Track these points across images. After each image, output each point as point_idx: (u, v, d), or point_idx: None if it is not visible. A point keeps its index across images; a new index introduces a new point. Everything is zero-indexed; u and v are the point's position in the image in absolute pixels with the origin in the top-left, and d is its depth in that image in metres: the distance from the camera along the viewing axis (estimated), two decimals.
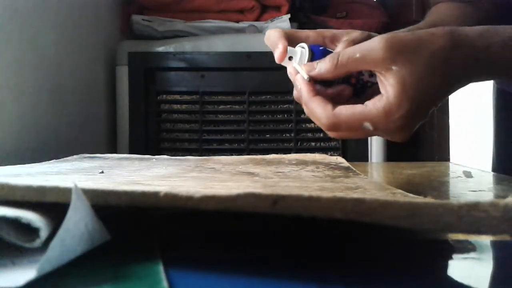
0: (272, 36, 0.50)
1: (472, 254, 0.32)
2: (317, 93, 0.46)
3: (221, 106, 1.25)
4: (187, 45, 1.25)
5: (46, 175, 0.49)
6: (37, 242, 0.26)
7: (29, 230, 0.26)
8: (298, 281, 0.26)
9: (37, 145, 0.88)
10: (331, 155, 0.93)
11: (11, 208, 0.27)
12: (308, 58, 0.48)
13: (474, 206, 0.25)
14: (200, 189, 0.29)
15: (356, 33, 0.49)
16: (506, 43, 0.42)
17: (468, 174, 0.67)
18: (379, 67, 0.43)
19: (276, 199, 0.26)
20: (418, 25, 0.58)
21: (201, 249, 0.32)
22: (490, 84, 0.80)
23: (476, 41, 0.42)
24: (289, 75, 0.50)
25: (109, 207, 0.29)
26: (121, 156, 0.78)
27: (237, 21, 1.33)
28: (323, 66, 0.45)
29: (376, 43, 0.42)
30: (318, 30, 0.51)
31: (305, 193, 0.26)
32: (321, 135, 1.24)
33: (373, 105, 0.43)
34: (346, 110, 0.44)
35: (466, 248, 0.33)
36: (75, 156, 0.75)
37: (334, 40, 0.50)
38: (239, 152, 1.22)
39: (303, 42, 0.50)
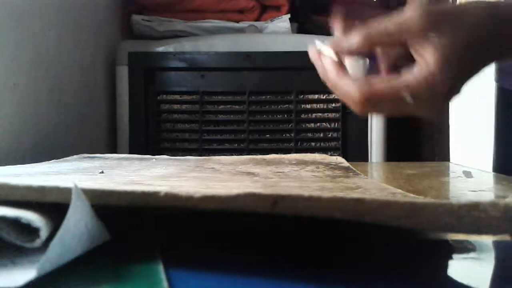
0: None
1: (472, 254, 0.32)
2: (346, 73, 0.44)
3: (221, 106, 1.25)
4: (187, 45, 1.25)
5: (46, 175, 0.49)
6: (37, 242, 0.26)
7: (29, 230, 0.26)
8: (298, 281, 0.26)
9: (37, 145, 0.88)
10: (331, 155, 0.93)
11: (11, 208, 0.27)
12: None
13: (474, 206, 0.25)
14: (200, 189, 0.29)
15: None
16: None
17: (468, 174, 0.67)
18: (416, 34, 0.40)
19: (276, 199, 0.26)
20: None
21: (201, 249, 0.32)
22: (492, 83, 0.80)
23: None
24: (311, 57, 0.47)
25: (109, 207, 0.29)
26: (121, 156, 0.78)
27: (237, 21, 1.33)
28: (353, 39, 0.42)
29: (412, 11, 0.40)
30: None
31: (305, 193, 0.26)
32: (321, 135, 1.24)
33: (412, 74, 0.40)
34: (382, 80, 0.41)
35: (466, 248, 0.33)
36: (75, 156, 0.75)
37: None
38: (239, 152, 1.22)
39: None
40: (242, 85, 1.24)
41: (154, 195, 0.28)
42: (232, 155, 1.11)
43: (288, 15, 1.32)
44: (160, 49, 1.25)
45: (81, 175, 0.50)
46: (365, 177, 0.54)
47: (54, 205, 0.28)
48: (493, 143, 0.81)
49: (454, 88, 0.41)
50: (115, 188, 0.29)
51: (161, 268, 0.27)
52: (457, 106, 1.52)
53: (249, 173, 0.55)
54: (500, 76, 0.77)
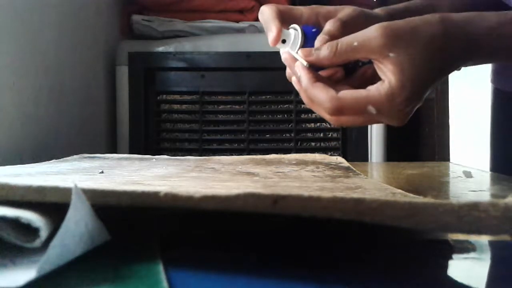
0: (266, 14, 0.50)
1: (472, 254, 0.32)
2: (317, 79, 0.46)
3: (221, 106, 1.25)
4: (187, 45, 1.25)
5: (46, 175, 0.49)
6: (37, 242, 0.26)
7: (29, 230, 0.26)
8: (298, 281, 0.26)
9: (37, 145, 0.88)
10: (331, 155, 0.93)
11: (11, 208, 0.27)
12: (301, 41, 0.48)
13: (474, 206, 0.25)
14: (200, 189, 0.29)
15: (349, 10, 0.50)
16: (494, 29, 0.45)
17: (468, 174, 0.67)
18: (377, 54, 0.44)
19: (276, 199, 0.26)
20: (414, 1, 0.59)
21: (201, 249, 0.32)
22: (488, 84, 0.80)
23: (466, 28, 0.45)
24: (283, 61, 0.50)
25: (109, 207, 0.29)
26: (121, 156, 0.78)
27: (237, 21, 1.33)
28: (321, 53, 0.46)
29: (374, 32, 0.44)
30: (312, 6, 0.51)
31: (305, 193, 0.26)
32: (321, 135, 1.24)
33: (376, 90, 0.44)
34: (350, 94, 0.45)
35: (466, 248, 0.33)
36: (75, 156, 0.75)
37: (328, 17, 0.50)
38: (239, 152, 1.22)
39: (297, 21, 0.50)
40: (242, 85, 1.24)
41: (154, 195, 0.28)
42: (232, 155, 1.11)
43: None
44: (160, 49, 1.25)
45: (81, 175, 0.50)
46: (365, 177, 0.54)
47: (54, 205, 0.28)
48: (489, 143, 0.81)
49: (415, 100, 0.45)
50: (115, 188, 0.29)
51: (161, 268, 0.27)
52: (457, 107, 1.52)
53: (249, 173, 0.55)
54: (495, 78, 0.77)
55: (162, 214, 0.38)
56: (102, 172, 0.52)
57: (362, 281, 0.26)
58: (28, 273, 0.23)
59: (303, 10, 0.51)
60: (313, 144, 1.25)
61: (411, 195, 0.40)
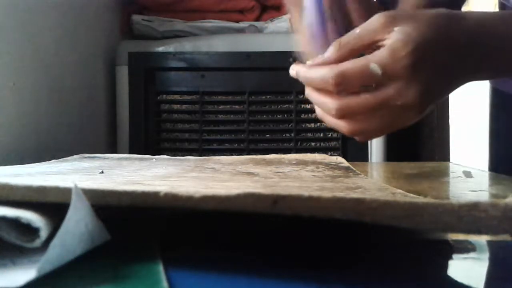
0: None
1: (472, 254, 0.32)
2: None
3: (221, 106, 1.25)
4: (187, 45, 1.25)
5: (46, 175, 0.49)
6: (37, 242, 0.26)
7: (29, 230, 0.26)
8: (298, 281, 0.26)
9: (37, 145, 0.88)
10: (331, 155, 0.93)
11: (11, 208, 0.27)
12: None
13: (474, 206, 0.25)
14: (200, 189, 0.29)
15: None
16: (500, 25, 0.44)
17: (468, 174, 0.67)
18: (381, 33, 0.43)
19: (276, 199, 0.26)
20: None
21: (201, 249, 0.32)
22: (487, 83, 0.80)
23: (472, 18, 0.44)
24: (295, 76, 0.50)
25: (109, 207, 0.29)
26: (121, 156, 0.78)
27: (237, 21, 1.33)
28: (326, 54, 0.45)
29: (375, 16, 0.43)
30: None
31: (305, 193, 0.26)
32: (321, 135, 1.24)
33: (378, 51, 0.43)
34: (351, 61, 0.44)
35: (466, 248, 0.33)
36: (75, 156, 0.75)
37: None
38: (239, 152, 1.22)
39: None
40: (242, 85, 1.24)
41: (154, 195, 0.28)
42: (232, 155, 1.11)
43: (288, 15, 1.32)
44: (160, 49, 1.25)
45: (81, 175, 0.50)
46: (365, 177, 0.54)
47: (54, 205, 0.28)
48: (488, 143, 0.81)
49: (422, 64, 0.42)
50: (115, 188, 0.29)
51: (161, 268, 0.27)
52: (457, 107, 1.52)
53: (249, 173, 0.55)
54: None
55: (162, 214, 0.38)
56: (102, 172, 0.52)
57: (362, 281, 0.26)
58: (28, 273, 0.23)
59: None
60: (313, 144, 1.25)
61: (411, 195, 0.40)
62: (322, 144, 1.24)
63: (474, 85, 0.47)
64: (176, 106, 1.26)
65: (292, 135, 1.24)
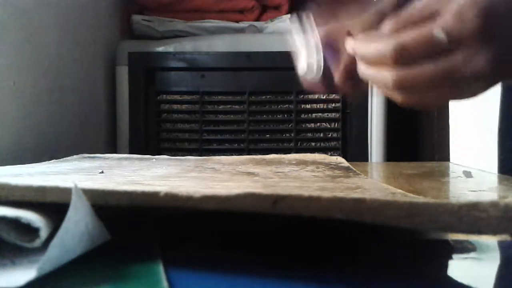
0: None
1: (472, 254, 0.32)
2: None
3: (221, 106, 1.25)
4: (187, 45, 1.25)
5: (46, 175, 0.49)
6: (37, 242, 0.26)
7: (29, 230, 0.26)
8: (298, 281, 0.26)
9: (37, 145, 0.88)
10: (331, 155, 0.93)
11: (11, 208, 0.27)
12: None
13: (474, 206, 0.25)
14: (200, 189, 0.29)
15: None
16: None
17: (468, 174, 0.67)
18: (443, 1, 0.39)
19: (276, 199, 0.26)
20: None
21: (201, 249, 0.32)
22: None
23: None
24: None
25: (109, 207, 0.29)
26: (121, 156, 0.78)
27: (237, 21, 1.33)
28: (384, 29, 0.41)
29: None
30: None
31: (305, 193, 0.26)
32: (321, 135, 1.24)
33: (440, 17, 0.38)
34: (409, 32, 0.40)
35: (466, 248, 0.33)
36: (75, 156, 0.75)
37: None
38: (239, 152, 1.22)
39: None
40: (242, 85, 1.24)
41: (154, 195, 0.28)
42: (232, 155, 1.11)
43: (288, 15, 1.32)
44: (160, 49, 1.25)
45: (81, 175, 0.50)
46: (365, 177, 0.54)
47: (54, 205, 0.28)
48: (497, 143, 0.79)
49: (507, 46, 0.38)
50: (115, 188, 0.29)
51: (161, 268, 0.27)
52: (457, 106, 1.51)
53: (249, 173, 0.55)
54: None
55: (162, 214, 0.38)
56: (102, 172, 0.52)
57: (363, 281, 0.26)
58: (28, 273, 0.23)
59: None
60: (313, 144, 1.25)
61: (411, 195, 0.40)
62: (322, 144, 1.24)
63: None
64: (176, 106, 1.26)
65: (292, 135, 1.24)
